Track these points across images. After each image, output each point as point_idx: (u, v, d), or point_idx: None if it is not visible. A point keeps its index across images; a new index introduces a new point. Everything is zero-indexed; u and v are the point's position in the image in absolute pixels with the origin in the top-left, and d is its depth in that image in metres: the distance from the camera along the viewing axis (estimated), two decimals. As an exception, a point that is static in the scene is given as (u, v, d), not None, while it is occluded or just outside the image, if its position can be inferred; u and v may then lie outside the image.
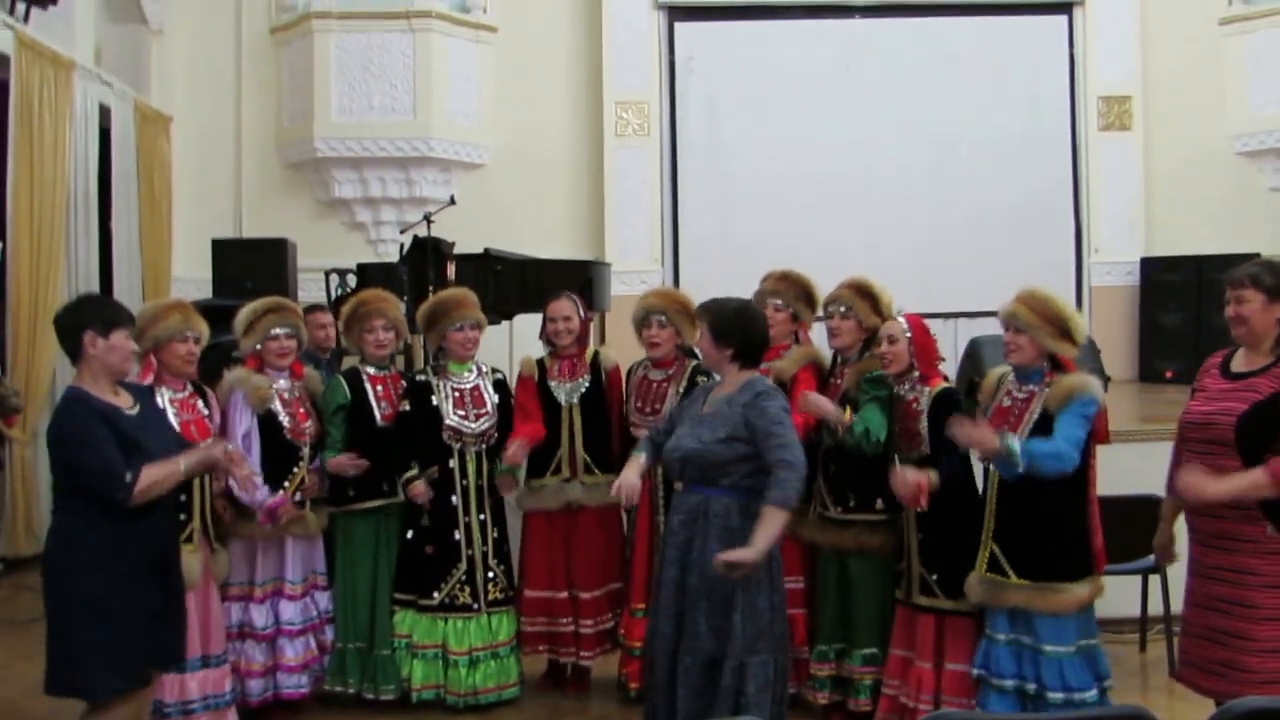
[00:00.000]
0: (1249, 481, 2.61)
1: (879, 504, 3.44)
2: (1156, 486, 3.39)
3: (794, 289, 3.79)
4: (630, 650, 3.79)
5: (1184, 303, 8.07)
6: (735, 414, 2.90)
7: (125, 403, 2.87)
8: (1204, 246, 8.01)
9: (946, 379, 3.41)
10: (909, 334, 3.37)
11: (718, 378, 3.13)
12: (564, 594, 3.86)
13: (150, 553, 2.85)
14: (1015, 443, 2.93)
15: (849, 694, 3.54)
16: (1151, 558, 4.05)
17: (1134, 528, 3.66)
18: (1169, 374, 8.00)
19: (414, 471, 3.69)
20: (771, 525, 2.79)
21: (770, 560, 2.88)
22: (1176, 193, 8.40)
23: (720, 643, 2.84)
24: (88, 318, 2.81)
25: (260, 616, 3.62)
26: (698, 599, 2.86)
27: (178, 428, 3.32)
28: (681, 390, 3.76)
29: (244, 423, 3.57)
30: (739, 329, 2.97)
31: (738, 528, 2.84)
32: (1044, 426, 3.02)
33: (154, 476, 2.75)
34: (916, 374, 3.37)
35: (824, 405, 3.38)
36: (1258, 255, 7.65)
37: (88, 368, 2.82)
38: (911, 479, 3.11)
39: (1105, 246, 8.45)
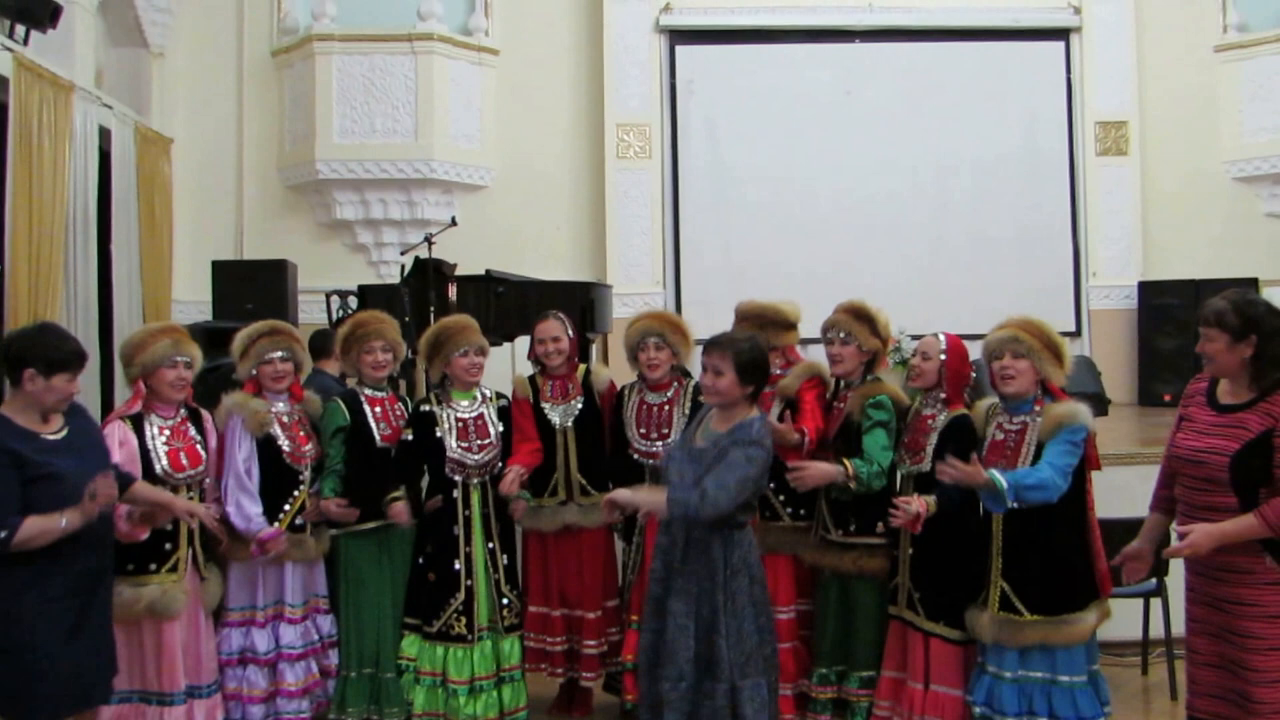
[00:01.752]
0: (1242, 526, 2.62)
1: (879, 527, 3.44)
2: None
3: (750, 320, 3.72)
4: (625, 665, 3.78)
5: (1182, 326, 8.08)
6: (721, 455, 2.90)
7: (50, 427, 2.82)
8: (1201, 270, 8.06)
9: (968, 406, 3.41)
10: (944, 355, 3.37)
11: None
12: (558, 613, 3.86)
13: (72, 584, 2.79)
14: (1001, 479, 2.95)
15: (847, 716, 3.54)
16: (1153, 581, 4.08)
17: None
18: (1167, 397, 8.01)
19: (399, 493, 3.67)
20: (655, 500, 2.93)
21: (752, 585, 2.93)
22: (1173, 217, 8.46)
23: (705, 668, 2.87)
24: (34, 356, 2.75)
25: (263, 641, 3.60)
26: (683, 622, 2.90)
27: (166, 457, 3.32)
28: (686, 413, 3.76)
29: (243, 447, 3.55)
30: (762, 370, 3.01)
31: (718, 557, 2.90)
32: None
33: (32, 531, 2.65)
34: (942, 395, 3.37)
35: (821, 475, 3.37)
36: (1254, 280, 7.72)
37: (20, 397, 2.78)
38: (912, 509, 3.14)
39: (1103, 270, 8.49)
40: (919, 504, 3.13)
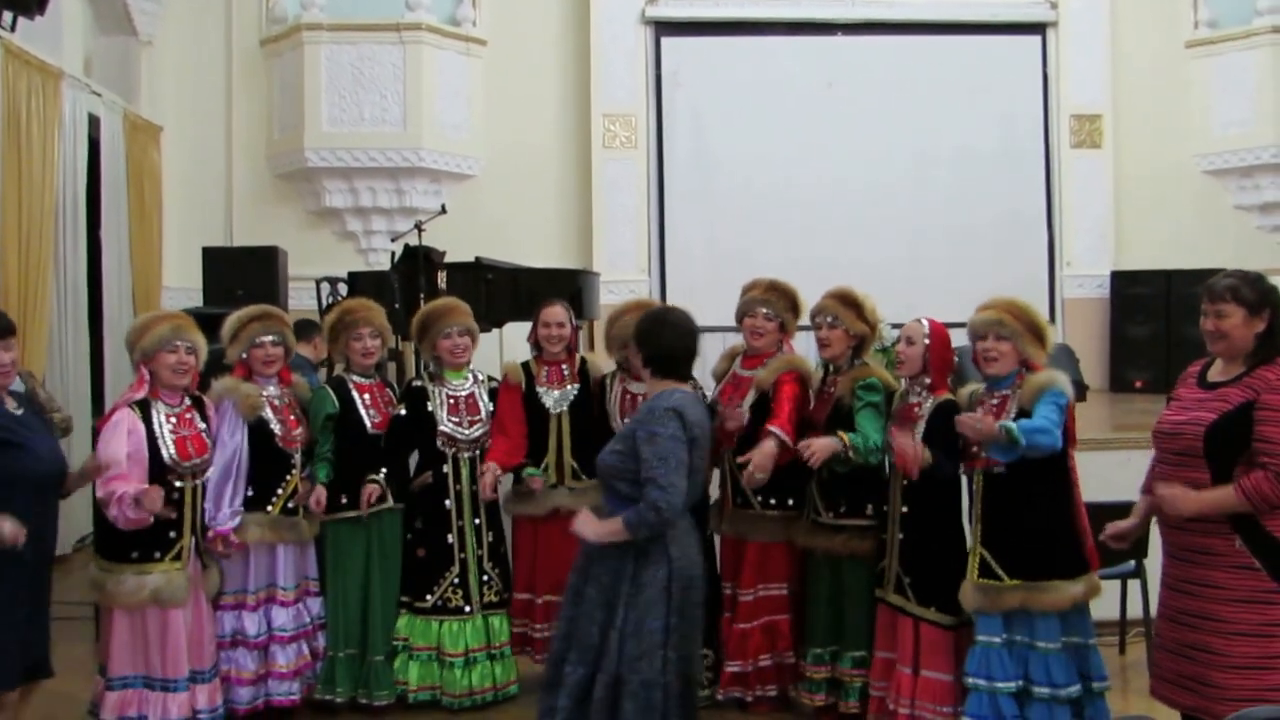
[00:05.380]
0: (1218, 497, 2.63)
1: (869, 509, 3.50)
2: (1132, 493, 3.48)
3: (783, 299, 3.79)
4: None
5: (1153, 315, 8.33)
6: (631, 427, 2.84)
7: (10, 405, 2.90)
8: (1171, 261, 8.27)
9: (953, 391, 3.43)
10: (928, 340, 3.36)
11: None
12: (541, 599, 3.90)
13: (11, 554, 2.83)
14: (1014, 425, 2.99)
15: (840, 696, 3.59)
16: (1131, 563, 4.14)
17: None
18: (1139, 384, 8.25)
19: (375, 475, 3.70)
20: (611, 528, 2.76)
21: (671, 580, 2.77)
22: (1145, 209, 8.65)
23: (597, 657, 2.78)
24: None
25: (253, 624, 3.60)
26: (592, 610, 2.80)
27: (174, 445, 3.28)
28: None
29: (235, 432, 3.55)
30: (650, 336, 2.91)
31: (629, 545, 2.77)
32: None
33: None
34: (927, 380, 3.37)
35: (824, 449, 3.38)
36: (1223, 271, 7.89)
37: None
38: (910, 448, 3.20)
39: (1077, 260, 8.68)
40: (915, 448, 3.19)
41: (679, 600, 2.77)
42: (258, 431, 3.60)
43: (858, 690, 3.53)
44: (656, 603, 2.74)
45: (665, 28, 8.51)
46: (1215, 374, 2.80)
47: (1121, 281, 8.50)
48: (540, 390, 3.90)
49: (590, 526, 2.82)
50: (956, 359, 3.55)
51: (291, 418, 3.71)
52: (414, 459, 3.95)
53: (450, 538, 3.78)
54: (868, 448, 3.41)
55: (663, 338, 2.90)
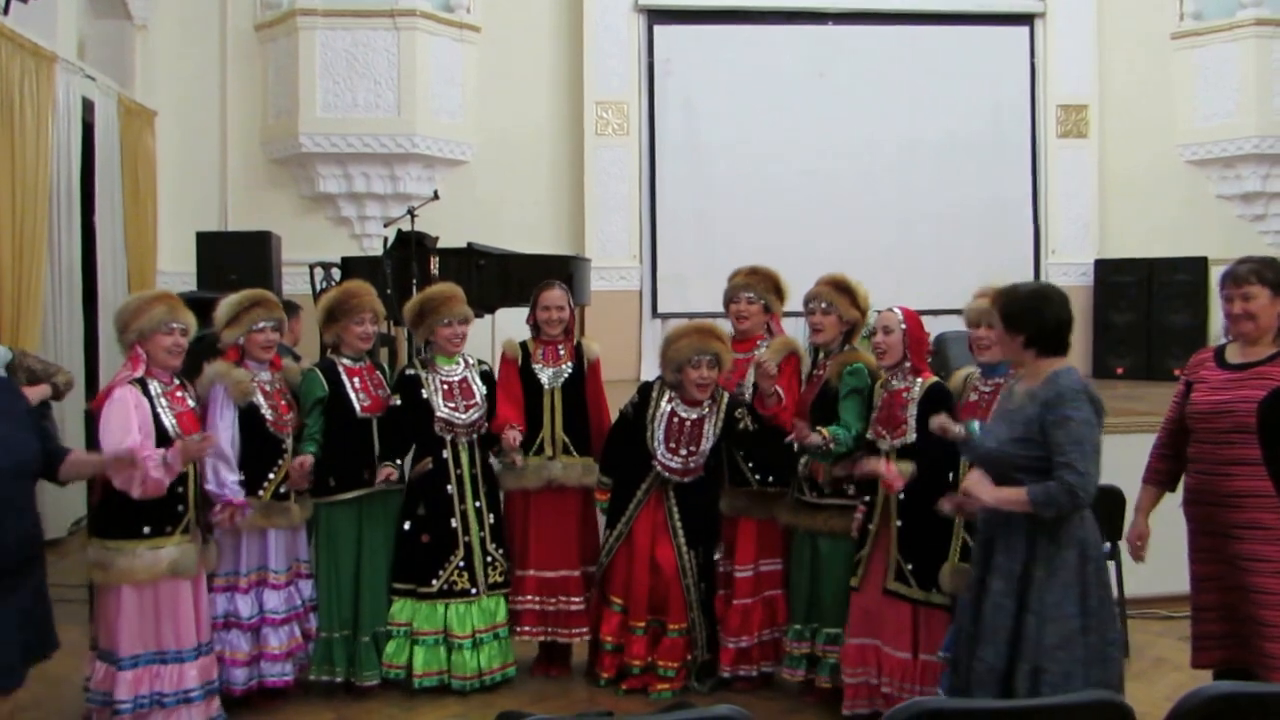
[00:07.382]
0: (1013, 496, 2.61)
1: (850, 490, 3.56)
2: (1114, 476, 3.54)
3: (764, 282, 3.88)
4: (602, 644, 3.89)
5: (1135, 303, 8.46)
6: (1033, 412, 2.65)
7: None
8: (1154, 250, 8.42)
9: (938, 375, 3.51)
10: (904, 325, 3.43)
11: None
12: (531, 573, 3.95)
13: None
14: (976, 425, 3.06)
15: (818, 671, 3.67)
16: (1108, 545, 4.29)
17: (1094, 516, 3.83)
18: (1120, 370, 8.40)
19: (395, 461, 3.79)
20: (1014, 496, 2.63)
21: (1085, 564, 2.65)
22: (1129, 198, 8.77)
23: (1013, 647, 2.64)
24: None
25: (246, 606, 3.64)
26: (1000, 601, 2.67)
27: (174, 421, 3.33)
28: (719, 430, 3.79)
29: (225, 417, 3.57)
30: (1032, 313, 2.72)
31: (1042, 531, 2.64)
32: None
33: None
34: (909, 365, 3.44)
35: (807, 437, 3.47)
36: (1204, 259, 8.05)
37: None
38: (886, 471, 3.24)
39: (1062, 248, 8.80)
40: (884, 466, 3.25)
41: (1095, 582, 2.65)
42: (249, 417, 3.62)
43: (831, 667, 3.60)
44: (1071, 586, 2.61)
45: (658, 15, 8.54)
46: (1237, 357, 2.88)
47: (1105, 269, 8.62)
48: (536, 367, 3.96)
49: (988, 490, 2.67)
50: (936, 347, 3.61)
51: (283, 402, 3.74)
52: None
53: (454, 522, 3.82)
54: (847, 441, 3.48)
55: (1047, 314, 2.72)
